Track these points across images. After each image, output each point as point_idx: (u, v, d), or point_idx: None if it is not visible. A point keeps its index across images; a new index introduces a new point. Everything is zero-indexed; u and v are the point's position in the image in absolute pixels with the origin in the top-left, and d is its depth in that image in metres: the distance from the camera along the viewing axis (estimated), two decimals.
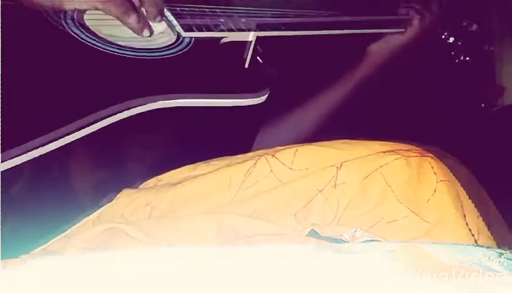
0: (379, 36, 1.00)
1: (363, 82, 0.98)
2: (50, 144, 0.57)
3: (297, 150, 0.64)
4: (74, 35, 0.70)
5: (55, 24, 0.70)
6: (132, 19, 0.71)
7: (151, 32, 0.74)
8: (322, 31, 0.91)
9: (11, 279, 0.46)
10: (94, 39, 0.70)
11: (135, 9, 0.72)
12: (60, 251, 0.64)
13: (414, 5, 1.00)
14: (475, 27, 1.08)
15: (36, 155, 0.57)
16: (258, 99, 0.74)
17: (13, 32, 0.65)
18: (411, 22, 1.00)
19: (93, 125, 0.61)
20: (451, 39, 1.09)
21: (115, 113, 0.62)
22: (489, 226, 0.60)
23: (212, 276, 0.47)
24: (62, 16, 0.71)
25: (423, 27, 1.00)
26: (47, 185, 0.63)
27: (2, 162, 0.54)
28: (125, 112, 0.63)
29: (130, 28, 0.72)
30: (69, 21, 0.71)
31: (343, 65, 1.02)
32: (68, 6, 0.71)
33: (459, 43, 1.09)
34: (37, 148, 0.57)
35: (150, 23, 0.76)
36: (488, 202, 0.68)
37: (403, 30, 1.00)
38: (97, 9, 0.71)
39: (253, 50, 0.80)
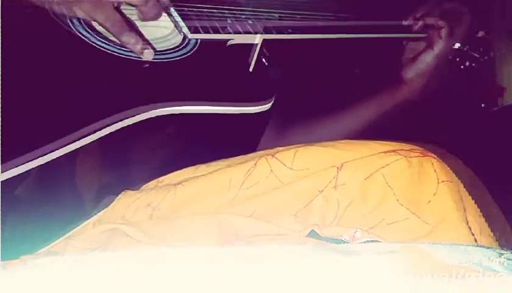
0: (412, 59, 0.97)
1: (403, 105, 0.96)
2: (53, 153, 0.57)
3: (297, 150, 0.64)
4: (79, 34, 0.69)
5: (60, 24, 0.70)
6: (127, 38, 0.69)
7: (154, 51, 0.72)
8: (330, 35, 0.90)
9: (11, 279, 0.46)
10: (99, 40, 0.70)
11: (132, 29, 0.70)
12: (60, 251, 0.64)
13: (436, 18, 0.97)
14: (458, 45, 1.06)
15: (40, 164, 0.56)
16: (262, 106, 0.73)
17: (17, 32, 0.64)
18: (439, 34, 0.96)
19: (98, 132, 0.61)
20: (457, 45, 1.08)
21: (120, 120, 0.62)
22: (491, 227, 0.60)
23: (212, 277, 0.47)
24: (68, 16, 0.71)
25: (451, 37, 0.97)
26: (50, 186, 0.63)
27: (2, 172, 0.54)
28: (130, 118, 0.63)
29: (127, 47, 0.70)
30: (74, 21, 0.70)
31: (350, 67, 1.01)
32: (67, 13, 0.70)
33: (465, 49, 1.08)
34: (40, 156, 0.56)
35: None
36: (491, 204, 0.68)
37: (424, 35, 0.97)
38: (95, 21, 0.70)
39: (258, 53, 0.80)
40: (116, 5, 0.70)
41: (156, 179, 0.70)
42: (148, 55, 0.70)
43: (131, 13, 0.74)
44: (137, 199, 0.66)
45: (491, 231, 0.60)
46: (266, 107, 0.74)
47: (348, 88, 1.13)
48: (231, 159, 0.69)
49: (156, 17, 0.74)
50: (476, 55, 1.08)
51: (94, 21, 0.69)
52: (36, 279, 0.46)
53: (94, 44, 0.69)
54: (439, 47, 0.96)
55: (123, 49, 0.70)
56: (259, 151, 0.76)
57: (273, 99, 0.75)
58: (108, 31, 0.69)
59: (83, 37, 0.69)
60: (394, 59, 1.04)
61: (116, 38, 0.69)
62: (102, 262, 0.50)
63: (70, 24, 0.70)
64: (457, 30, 0.97)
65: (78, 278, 0.46)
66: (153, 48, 0.71)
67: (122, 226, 0.62)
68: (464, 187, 0.62)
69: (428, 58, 0.96)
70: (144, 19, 0.74)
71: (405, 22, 0.99)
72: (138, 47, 0.69)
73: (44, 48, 0.68)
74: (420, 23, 0.98)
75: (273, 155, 0.64)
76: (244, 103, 0.72)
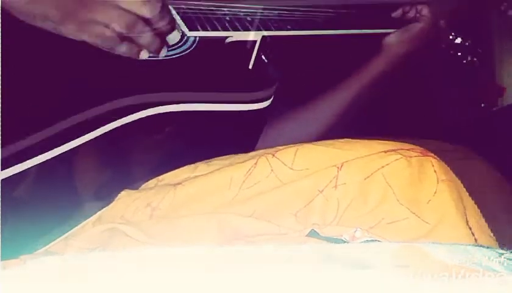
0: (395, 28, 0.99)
1: (381, 78, 0.96)
2: (52, 150, 0.57)
3: (297, 150, 0.64)
4: None
5: None
6: (122, 49, 0.68)
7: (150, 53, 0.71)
8: (329, 31, 0.90)
9: (11, 279, 0.46)
10: None
11: (124, 39, 0.68)
12: (60, 251, 0.64)
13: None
14: (459, 40, 1.08)
15: (39, 162, 0.56)
16: (262, 103, 0.73)
17: (12, 30, 0.64)
18: (421, 12, 0.99)
19: (97, 129, 0.60)
20: (459, 40, 1.09)
21: (118, 118, 0.62)
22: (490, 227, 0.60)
23: (212, 276, 0.47)
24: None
25: (434, 15, 0.99)
26: (49, 186, 0.63)
27: (2, 169, 0.54)
28: (128, 116, 0.63)
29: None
30: None
31: (350, 64, 1.01)
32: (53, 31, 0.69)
33: (467, 44, 1.09)
34: (39, 153, 0.56)
35: None
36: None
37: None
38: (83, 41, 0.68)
39: (258, 49, 0.80)
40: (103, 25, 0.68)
41: (156, 178, 0.70)
42: (144, 55, 0.70)
43: None
44: (137, 198, 0.66)
45: (491, 230, 0.60)
46: (265, 104, 0.73)
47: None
48: (231, 157, 0.69)
49: (156, 45, 0.72)
50: (479, 50, 1.09)
51: (82, 41, 0.68)
52: (36, 279, 0.46)
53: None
54: (424, 20, 0.98)
55: None
56: (258, 148, 0.76)
57: (273, 96, 0.74)
58: (100, 48, 0.68)
59: None
60: None
61: (111, 52, 0.68)
62: (102, 261, 0.50)
63: None
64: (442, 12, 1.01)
65: (78, 278, 0.46)
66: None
67: (122, 226, 0.62)
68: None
69: (412, 28, 0.97)
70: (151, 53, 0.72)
71: (393, 14, 1.02)
72: (134, 52, 0.69)
73: (43, 48, 0.67)
74: (411, 12, 1.00)
75: (273, 155, 0.64)
76: (243, 100, 0.72)
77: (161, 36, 0.72)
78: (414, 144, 0.63)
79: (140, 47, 0.69)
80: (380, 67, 0.96)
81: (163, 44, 0.72)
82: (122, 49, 0.68)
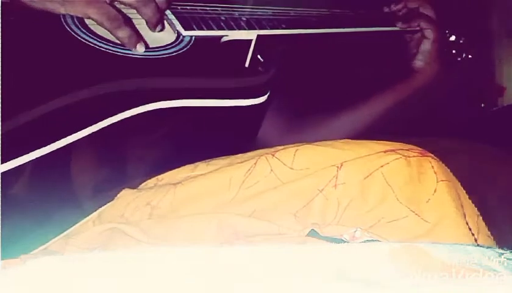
0: (415, 52, 1.00)
1: (408, 100, 0.98)
2: (50, 145, 0.57)
3: (297, 150, 0.64)
4: (72, 33, 0.69)
5: (54, 22, 0.70)
6: (122, 33, 0.70)
7: (146, 46, 0.73)
8: (324, 29, 0.91)
9: (11, 279, 0.46)
10: (92, 37, 0.70)
11: (127, 23, 0.71)
12: (59, 251, 0.64)
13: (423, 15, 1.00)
14: (453, 37, 1.09)
15: (37, 156, 0.56)
16: (258, 99, 0.73)
17: (13, 32, 0.65)
18: (426, 23, 0.99)
19: (93, 125, 0.60)
20: (453, 38, 1.09)
21: (114, 114, 0.62)
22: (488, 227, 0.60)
23: (212, 276, 0.47)
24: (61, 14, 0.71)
25: (435, 25, 1.00)
26: (48, 185, 0.63)
27: (2, 162, 0.54)
28: (125, 112, 0.63)
29: (121, 42, 0.71)
30: (68, 19, 0.70)
31: (345, 62, 1.01)
32: (60, 11, 0.70)
33: (461, 41, 1.09)
34: (38, 148, 0.56)
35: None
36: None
37: (417, 28, 1.00)
38: (89, 18, 0.70)
39: (253, 48, 0.80)
40: (109, 1, 0.70)
41: (156, 178, 0.70)
42: (140, 49, 0.70)
43: (128, 12, 0.74)
44: (136, 197, 0.66)
45: (488, 230, 0.61)
46: (262, 99, 0.73)
47: (344, 83, 1.14)
48: (231, 157, 0.69)
49: (156, 17, 0.74)
50: (474, 48, 1.09)
51: (88, 18, 0.69)
52: (36, 279, 0.46)
53: (88, 43, 0.69)
54: (430, 34, 0.99)
55: (112, 45, 0.70)
56: (258, 144, 0.76)
57: (269, 91, 0.75)
58: (103, 27, 0.69)
59: (77, 36, 0.69)
60: (389, 53, 1.05)
61: (111, 33, 0.69)
62: (102, 261, 0.50)
63: (63, 21, 0.70)
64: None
65: (78, 278, 0.46)
66: (146, 44, 0.72)
67: (122, 226, 0.62)
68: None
69: (427, 47, 0.99)
70: (149, 23, 0.74)
71: (386, 9, 1.03)
72: (132, 40, 0.70)
73: (39, 45, 0.68)
74: (400, 7, 1.01)
75: (273, 155, 0.64)
76: (239, 97, 0.72)
77: (162, 13, 0.76)
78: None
79: (139, 37, 0.70)
80: (418, 84, 0.99)
81: (162, 21, 0.76)
82: (123, 33, 0.69)
